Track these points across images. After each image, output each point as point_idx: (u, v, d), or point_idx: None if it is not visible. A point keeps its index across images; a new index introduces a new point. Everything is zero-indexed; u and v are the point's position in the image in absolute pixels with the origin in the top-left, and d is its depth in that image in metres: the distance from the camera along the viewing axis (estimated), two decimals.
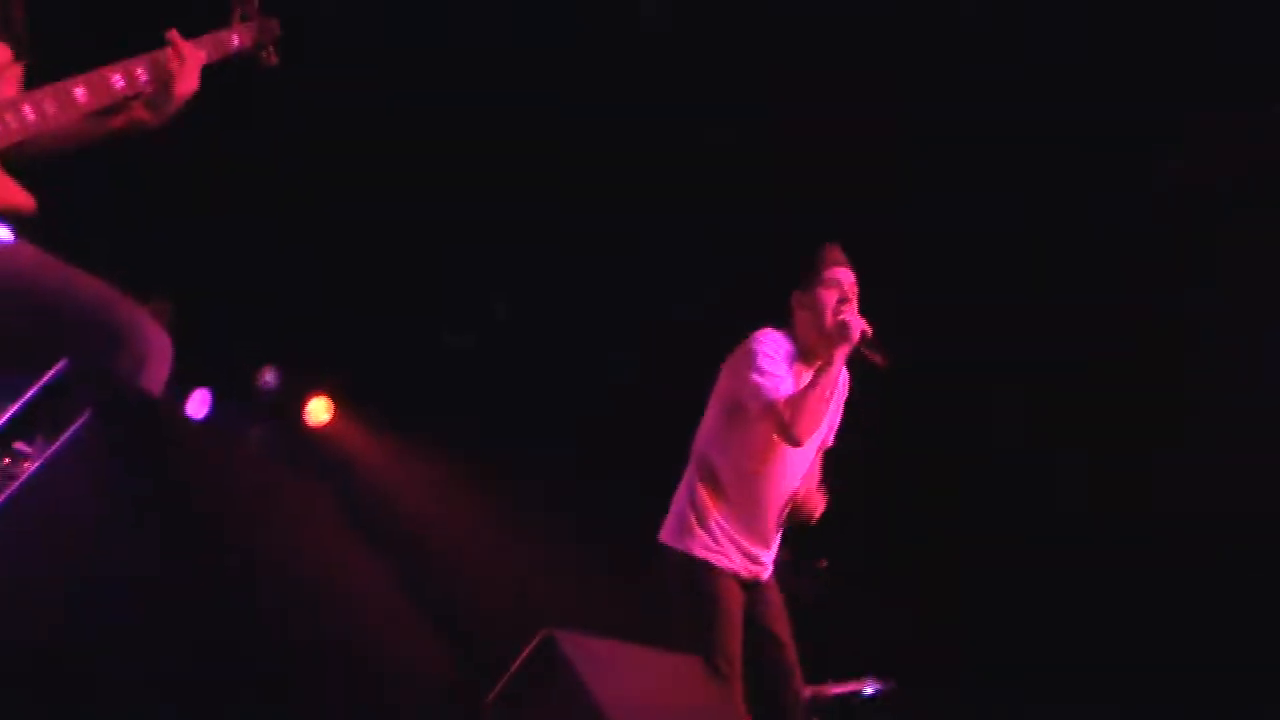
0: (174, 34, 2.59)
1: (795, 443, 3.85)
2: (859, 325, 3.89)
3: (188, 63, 2.57)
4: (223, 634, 1.78)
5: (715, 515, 3.99)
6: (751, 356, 3.92)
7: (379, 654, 2.05)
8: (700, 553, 3.97)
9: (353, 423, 7.73)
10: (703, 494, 4.02)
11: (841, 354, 3.88)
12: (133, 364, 2.36)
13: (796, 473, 4.10)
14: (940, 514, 6.69)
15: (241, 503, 1.96)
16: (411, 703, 2.11)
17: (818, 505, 4.20)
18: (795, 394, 3.85)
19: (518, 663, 4.61)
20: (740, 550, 4.02)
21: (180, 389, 7.25)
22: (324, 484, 2.24)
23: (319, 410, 7.69)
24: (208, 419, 7.32)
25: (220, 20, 2.77)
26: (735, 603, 3.96)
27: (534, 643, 4.32)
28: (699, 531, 3.98)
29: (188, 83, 2.58)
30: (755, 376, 3.88)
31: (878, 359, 3.90)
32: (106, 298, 2.44)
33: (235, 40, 2.79)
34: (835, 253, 4.10)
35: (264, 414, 7.54)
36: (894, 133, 5.72)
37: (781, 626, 4.06)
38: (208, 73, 2.68)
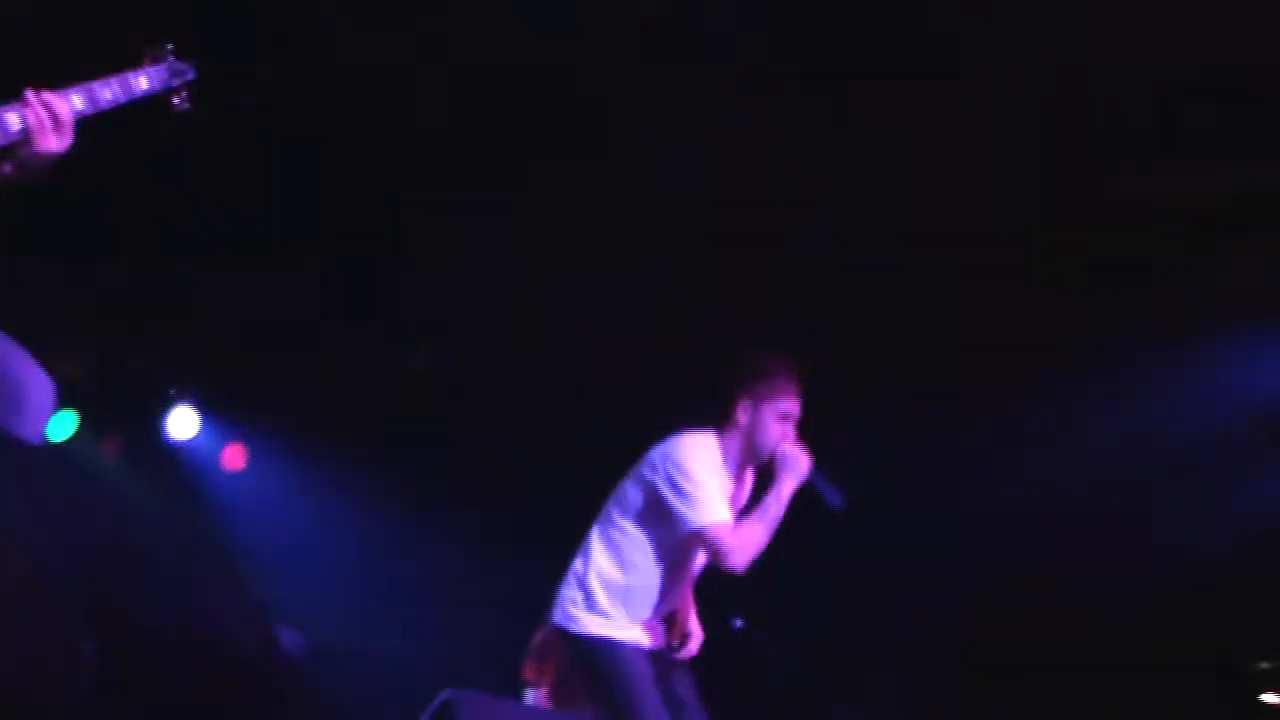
0: (32, 92, 2.39)
1: (731, 570, 3.78)
2: (805, 460, 3.85)
3: (51, 118, 2.37)
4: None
5: (614, 597, 3.92)
6: (688, 470, 3.81)
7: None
8: (600, 631, 3.91)
9: (267, 467, 7.59)
10: (601, 577, 3.94)
11: (788, 488, 3.82)
12: (9, 409, 2.26)
13: (697, 563, 4.05)
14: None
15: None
16: None
17: (694, 641, 4.19)
18: (743, 526, 3.79)
19: None
20: (638, 626, 3.97)
21: (94, 431, 7.13)
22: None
23: (234, 456, 7.56)
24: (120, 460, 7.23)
25: (129, 61, 2.63)
26: (645, 671, 3.91)
27: (436, 704, 4.23)
28: (595, 613, 3.92)
29: (53, 139, 2.38)
30: (695, 493, 3.77)
31: (835, 499, 3.87)
32: None
33: (143, 83, 2.65)
34: (790, 378, 3.98)
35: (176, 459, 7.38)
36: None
37: (689, 691, 4.03)
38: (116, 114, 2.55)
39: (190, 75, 2.83)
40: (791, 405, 3.93)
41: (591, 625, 3.91)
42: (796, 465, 3.83)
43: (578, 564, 4.00)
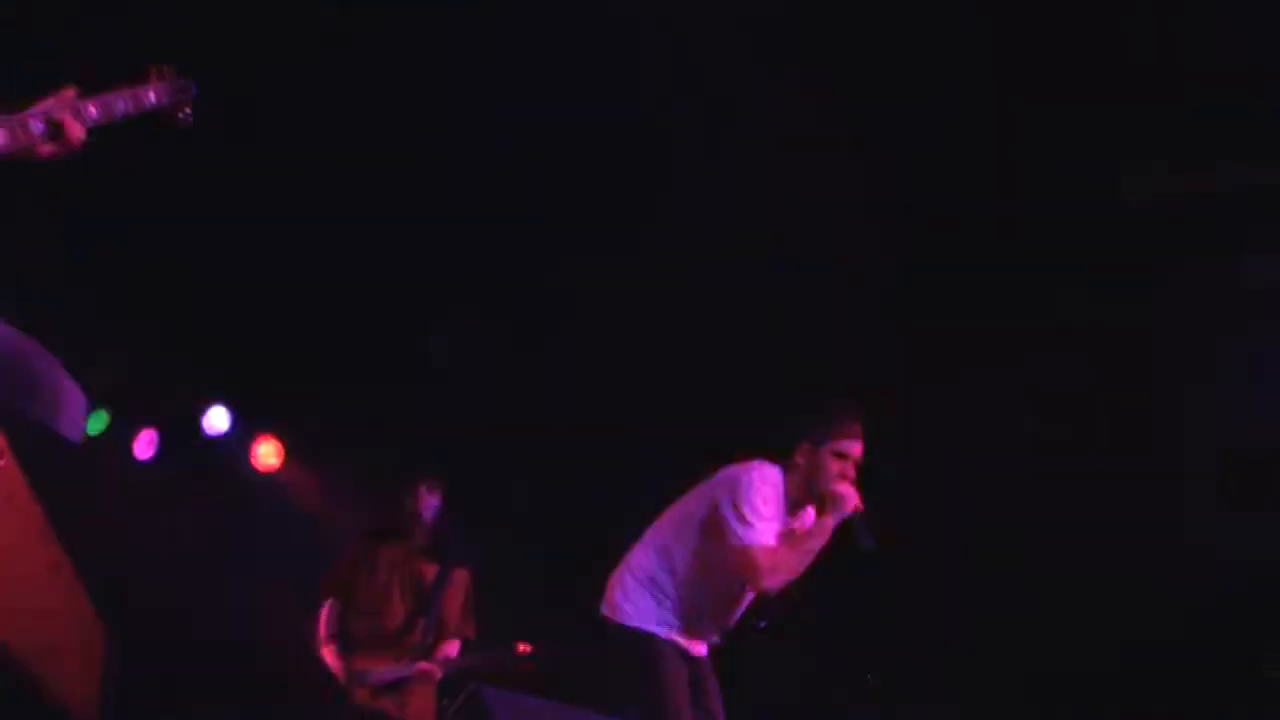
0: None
1: (759, 590, 4.03)
2: (853, 499, 4.05)
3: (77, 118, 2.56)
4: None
5: (665, 601, 4.13)
6: (746, 492, 4.04)
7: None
8: (641, 624, 4.10)
9: (302, 467, 7.65)
10: (654, 582, 4.15)
11: (830, 522, 4.04)
12: (45, 411, 2.41)
13: (744, 590, 4.24)
14: None
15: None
16: None
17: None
18: (776, 547, 4.02)
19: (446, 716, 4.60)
20: (680, 633, 4.16)
21: (128, 429, 7.20)
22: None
23: (268, 454, 7.59)
24: (153, 459, 7.27)
25: (138, 77, 2.86)
26: (681, 669, 4.10)
27: (461, 697, 4.30)
28: (640, 607, 4.12)
29: (78, 131, 2.56)
30: (749, 515, 4.00)
31: (867, 540, 4.03)
32: (21, 348, 2.49)
33: (152, 97, 2.86)
34: (854, 423, 4.20)
35: (211, 456, 7.44)
36: None
37: (716, 703, 4.16)
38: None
39: (192, 91, 3.03)
40: (850, 446, 4.15)
41: (634, 618, 4.09)
42: (842, 503, 4.04)
43: (631, 561, 4.21)
